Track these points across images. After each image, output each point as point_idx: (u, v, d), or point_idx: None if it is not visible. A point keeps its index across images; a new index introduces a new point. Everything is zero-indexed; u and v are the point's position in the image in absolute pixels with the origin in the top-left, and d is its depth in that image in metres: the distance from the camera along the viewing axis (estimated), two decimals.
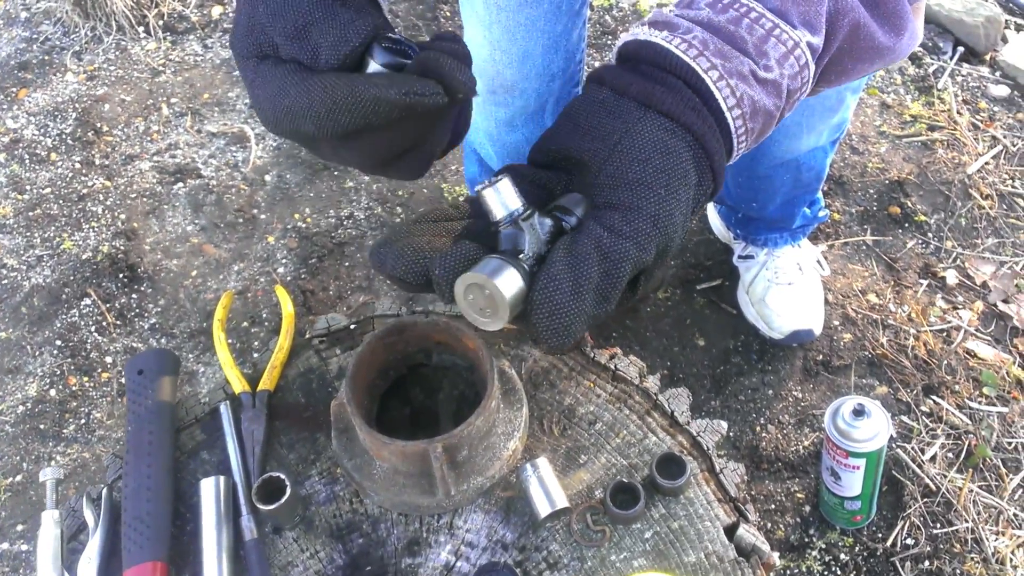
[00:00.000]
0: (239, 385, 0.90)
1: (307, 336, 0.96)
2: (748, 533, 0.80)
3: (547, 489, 0.81)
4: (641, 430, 0.87)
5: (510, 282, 0.48)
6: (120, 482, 0.84)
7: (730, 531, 0.81)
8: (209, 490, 0.82)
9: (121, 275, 1.72)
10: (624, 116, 0.54)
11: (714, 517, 0.82)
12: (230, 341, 1.54)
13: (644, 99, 0.54)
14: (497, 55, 1.14)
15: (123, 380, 1.58)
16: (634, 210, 0.51)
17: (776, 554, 0.85)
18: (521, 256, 0.50)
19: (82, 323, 1.66)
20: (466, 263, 0.50)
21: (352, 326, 0.95)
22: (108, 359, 1.62)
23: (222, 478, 0.83)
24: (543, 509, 0.81)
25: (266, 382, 0.90)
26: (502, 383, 0.85)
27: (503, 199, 0.51)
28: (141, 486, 0.81)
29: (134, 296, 1.70)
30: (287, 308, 0.96)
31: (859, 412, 1.27)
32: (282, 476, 0.80)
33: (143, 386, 0.87)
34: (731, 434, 1.56)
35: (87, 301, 1.68)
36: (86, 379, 1.60)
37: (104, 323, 1.65)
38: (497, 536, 0.82)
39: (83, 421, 1.54)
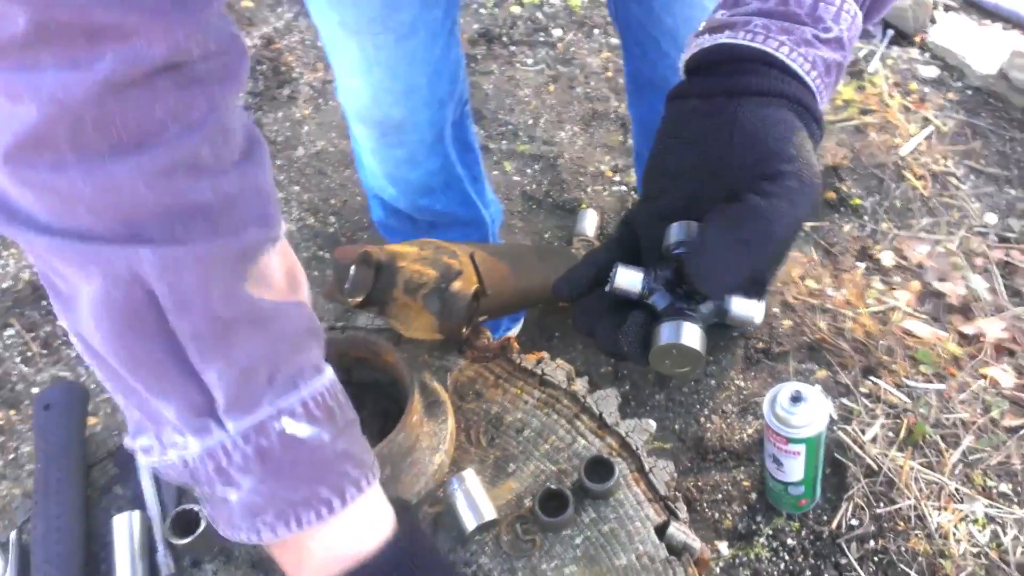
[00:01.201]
0: None
1: None
2: (678, 531, 0.79)
3: (474, 502, 0.79)
4: (570, 434, 0.86)
5: (692, 335, 0.54)
6: (29, 524, 0.80)
7: (661, 530, 0.80)
8: (122, 527, 0.79)
9: (44, 302, 1.66)
10: (724, 112, 0.57)
11: (644, 518, 0.80)
12: None
13: (734, 91, 0.58)
14: (382, 96, 1.12)
15: None
16: (778, 176, 0.54)
17: (706, 546, 0.84)
18: (676, 306, 0.56)
19: (6, 354, 1.61)
20: (643, 331, 0.56)
21: None
22: (35, 390, 1.57)
23: (136, 513, 0.80)
24: (470, 523, 0.79)
25: None
26: (425, 396, 0.83)
27: (628, 284, 0.56)
28: (50, 527, 0.78)
29: (59, 325, 1.65)
30: None
31: (796, 398, 1.27)
32: (195, 508, 0.77)
33: (50, 422, 0.83)
34: (676, 427, 1.56)
35: (10, 331, 1.63)
36: (13, 412, 1.55)
37: (29, 353, 1.60)
38: None
39: (11, 456, 1.49)
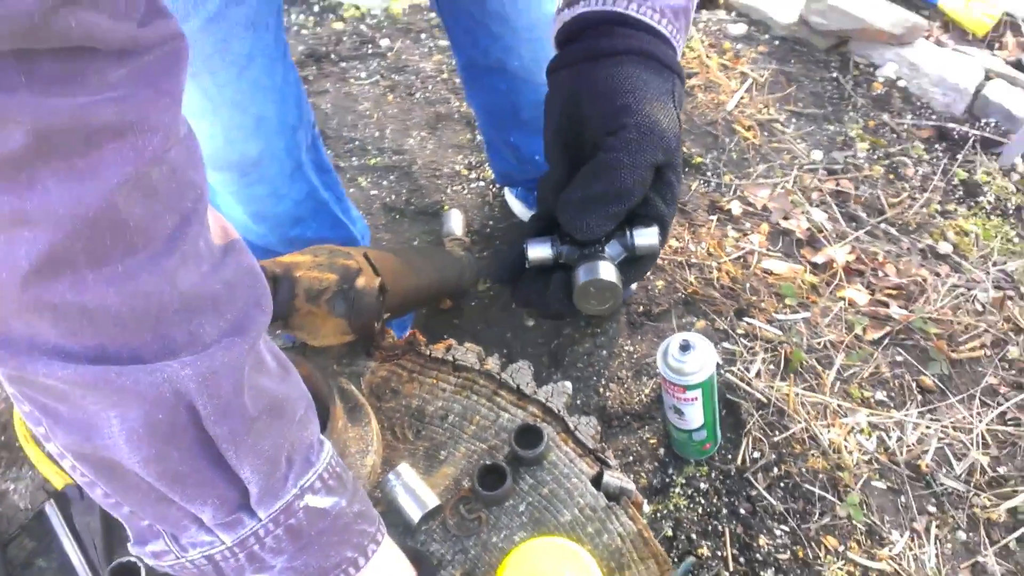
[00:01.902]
0: (60, 480, 0.83)
1: None
2: (613, 478, 0.83)
3: (414, 493, 0.80)
4: (492, 411, 0.88)
5: (605, 270, 0.62)
6: None
7: (596, 481, 0.83)
8: None
9: None
10: (584, 76, 0.65)
11: (579, 472, 0.83)
12: None
13: (591, 53, 0.65)
14: (233, 133, 1.09)
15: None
16: (619, 129, 0.62)
17: (640, 495, 0.88)
18: (584, 252, 0.64)
19: None
20: (564, 285, 0.65)
21: None
22: None
23: None
24: (415, 514, 0.80)
25: None
26: (344, 401, 0.83)
27: (540, 254, 0.65)
28: None
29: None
30: None
31: (685, 347, 1.33)
32: (131, 558, 0.74)
33: None
34: (578, 401, 1.61)
35: None
36: None
37: None
38: None
39: None
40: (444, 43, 2.15)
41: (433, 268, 1.18)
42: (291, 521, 0.58)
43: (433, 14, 2.20)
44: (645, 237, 0.63)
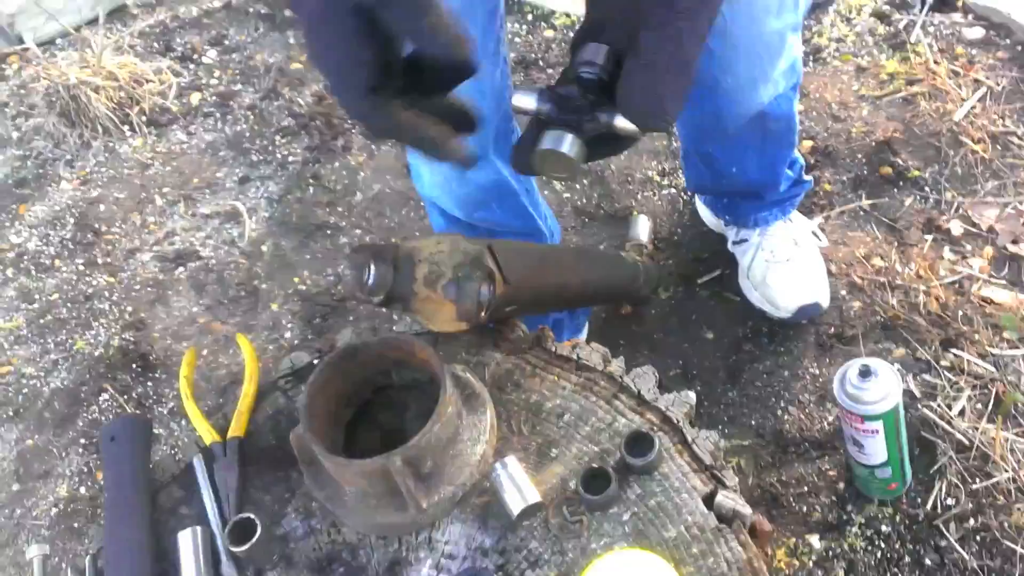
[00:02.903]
0: (209, 436, 0.91)
1: (273, 377, 0.97)
2: (727, 499, 0.78)
3: (518, 487, 0.80)
4: (609, 414, 0.86)
5: (566, 143, 0.59)
6: (103, 549, 0.85)
7: (709, 500, 0.79)
8: (187, 542, 0.82)
9: (134, 365, 1.75)
10: None
11: (691, 488, 0.80)
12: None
13: None
14: None
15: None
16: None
17: (762, 518, 0.82)
18: (561, 117, 0.60)
19: (103, 418, 1.70)
20: (529, 142, 0.61)
21: (315, 361, 0.96)
22: None
23: (199, 528, 0.83)
24: (516, 507, 0.79)
25: (235, 429, 0.91)
26: (461, 389, 0.85)
27: (523, 103, 0.61)
28: (122, 550, 0.82)
29: (149, 384, 1.73)
30: (249, 354, 0.97)
31: (865, 373, 1.23)
32: (251, 516, 0.80)
33: (116, 453, 0.88)
34: (753, 422, 1.53)
35: (105, 396, 1.72)
36: None
37: (124, 415, 1.69)
38: (476, 543, 0.81)
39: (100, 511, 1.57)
40: None
41: (589, 269, 1.17)
42: None
43: None
44: (625, 120, 0.58)
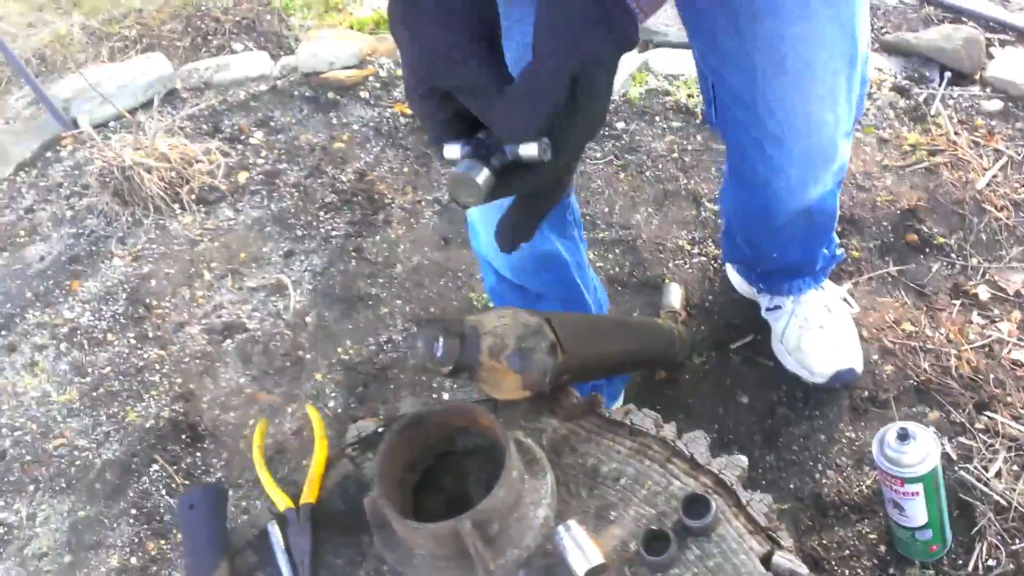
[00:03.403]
0: (282, 503, 0.96)
1: (341, 447, 1.01)
2: (784, 559, 0.82)
3: (581, 549, 0.84)
4: (664, 478, 0.90)
5: (473, 168, 0.67)
6: None
7: (766, 561, 0.82)
8: None
9: (184, 436, 1.81)
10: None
11: (748, 549, 0.83)
12: (292, 477, 1.60)
13: None
14: None
15: None
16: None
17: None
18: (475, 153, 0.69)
19: (153, 488, 1.74)
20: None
21: (380, 430, 1.01)
22: None
23: None
24: (580, 568, 0.83)
25: (307, 495, 0.96)
26: (522, 454, 0.90)
27: (450, 155, 0.70)
28: None
29: (198, 454, 1.78)
30: (317, 423, 1.02)
31: (903, 436, 1.26)
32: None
33: (195, 520, 0.93)
34: (792, 486, 1.55)
35: (155, 467, 1.77)
36: (163, 542, 1.67)
37: (174, 485, 1.73)
38: None
39: None
40: (677, 124, 2.21)
41: (631, 337, 1.22)
42: None
43: (669, 97, 2.27)
44: (526, 147, 0.66)
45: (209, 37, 2.85)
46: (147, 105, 2.47)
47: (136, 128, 2.27)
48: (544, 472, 0.90)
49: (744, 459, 0.90)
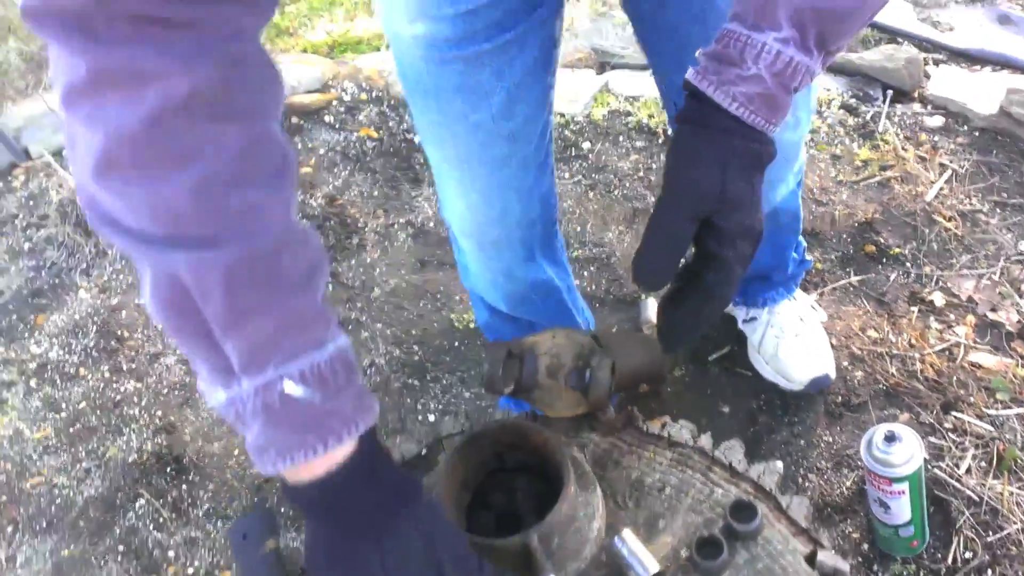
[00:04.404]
0: None
1: None
2: (828, 557, 0.87)
3: (637, 558, 0.88)
4: (707, 486, 0.95)
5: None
6: None
7: (810, 560, 0.88)
8: None
9: (168, 469, 1.78)
10: (675, 138, 0.80)
11: (793, 550, 0.88)
12: None
13: (682, 118, 0.78)
14: (479, 217, 1.26)
15: (190, 571, 1.63)
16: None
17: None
18: None
19: (140, 524, 1.71)
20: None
21: (423, 451, 1.03)
22: (171, 553, 1.66)
23: None
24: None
25: None
26: (575, 469, 0.93)
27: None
28: None
29: (184, 487, 1.76)
30: None
31: (891, 438, 1.34)
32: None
33: (249, 549, 0.94)
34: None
35: (141, 502, 1.74)
36: None
37: (161, 519, 1.70)
38: None
39: None
40: (640, 144, 2.28)
41: (648, 351, 1.27)
42: (267, 397, 0.71)
43: (631, 117, 2.35)
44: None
45: None
46: None
47: None
48: (594, 486, 0.94)
49: (780, 464, 0.95)
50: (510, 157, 1.16)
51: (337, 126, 2.46)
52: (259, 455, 0.74)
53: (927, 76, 2.33)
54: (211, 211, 0.66)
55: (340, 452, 0.75)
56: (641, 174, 2.19)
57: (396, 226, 2.18)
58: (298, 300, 0.73)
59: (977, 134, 2.14)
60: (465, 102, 1.08)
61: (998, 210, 1.97)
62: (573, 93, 2.40)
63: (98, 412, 1.88)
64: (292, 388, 0.72)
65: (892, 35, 2.47)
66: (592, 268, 2.02)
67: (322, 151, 2.40)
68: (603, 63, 2.53)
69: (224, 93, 0.64)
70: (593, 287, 1.98)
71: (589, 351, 0.88)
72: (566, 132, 2.34)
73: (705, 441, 0.99)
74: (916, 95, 2.28)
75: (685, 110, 0.77)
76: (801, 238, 1.69)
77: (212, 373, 0.72)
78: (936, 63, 2.39)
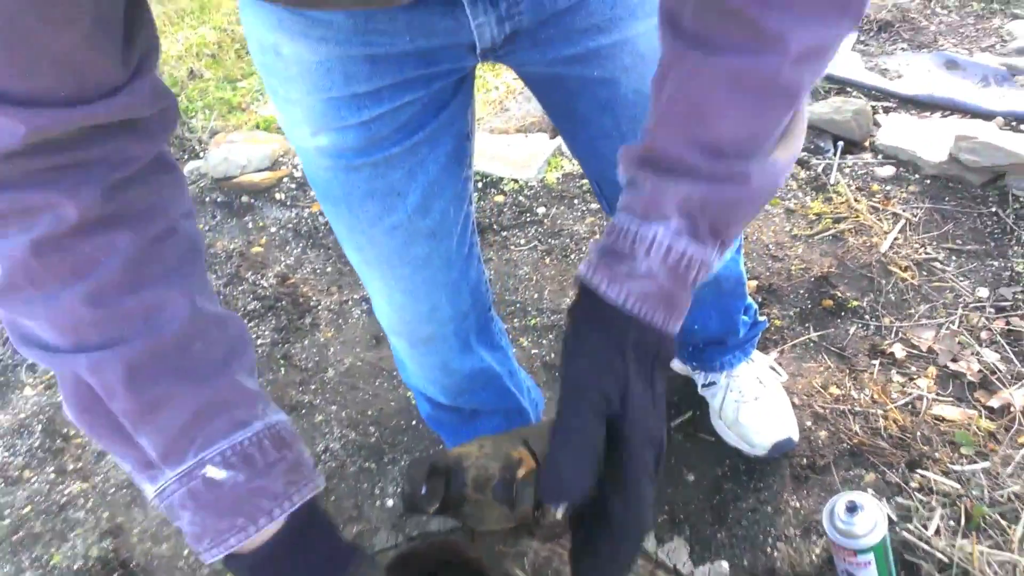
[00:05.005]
0: None
1: None
2: None
3: None
4: None
5: None
6: None
7: None
8: None
9: (115, 575, 1.71)
10: (567, 333, 0.73)
11: None
12: None
13: (571, 312, 0.73)
14: (407, 316, 1.22)
15: None
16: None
17: None
18: None
19: None
20: None
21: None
22: None
23: None
24: None
25: None
26: None
27: None
28: None
29: None
30: None
31: (852, 508, 1.31)
32: None
33: None
34: (746, 562, 1.58)
35: None
36: None
37: None
38: None
39: None
40: (595, 206, 2.27)
41: None
42: (191, 484, 0.70)
43: (585, 180, 2.34)
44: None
45: None
46: None
47: None
48: None
49: (726, 566, 0.91)
50: (432, 255, 1.13)
51: (288, 203, 2.43)
52: (196, 543, 0.73)
53: (877, 125, 2.34)
54: (108, 316, 0.67)
55: (275, 525, 0.74)
56: (598, 236, 2.17)
57: (350, 302, 2.14)
58: (214, 384, 0.73)
59: (928, 182, 2.14)
60: (378, 205, 1.05)
61: (953, 257, 1.96)
62: (527, 158, 2.39)
63: (43, 517, 1.81)
64: (215, 472, 0.71)
65: (841, 85, 2.49)
66: (551, 336, 1.99)
67: (273, 229, 2.37)
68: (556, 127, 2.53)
69: (116, 208, 0.66)
70: (551, 355, 1.95)
71: (517, 461, 0.84)
72: (520, 198, 2.32)
73: (649, 543, 0.94)
74: (867, 145, 2.28)
75: (578, 305, 0.73)
76: (751, 300, 1.67)
77: (136, 468, 0.72)
78: (886, 111, 2.40)
